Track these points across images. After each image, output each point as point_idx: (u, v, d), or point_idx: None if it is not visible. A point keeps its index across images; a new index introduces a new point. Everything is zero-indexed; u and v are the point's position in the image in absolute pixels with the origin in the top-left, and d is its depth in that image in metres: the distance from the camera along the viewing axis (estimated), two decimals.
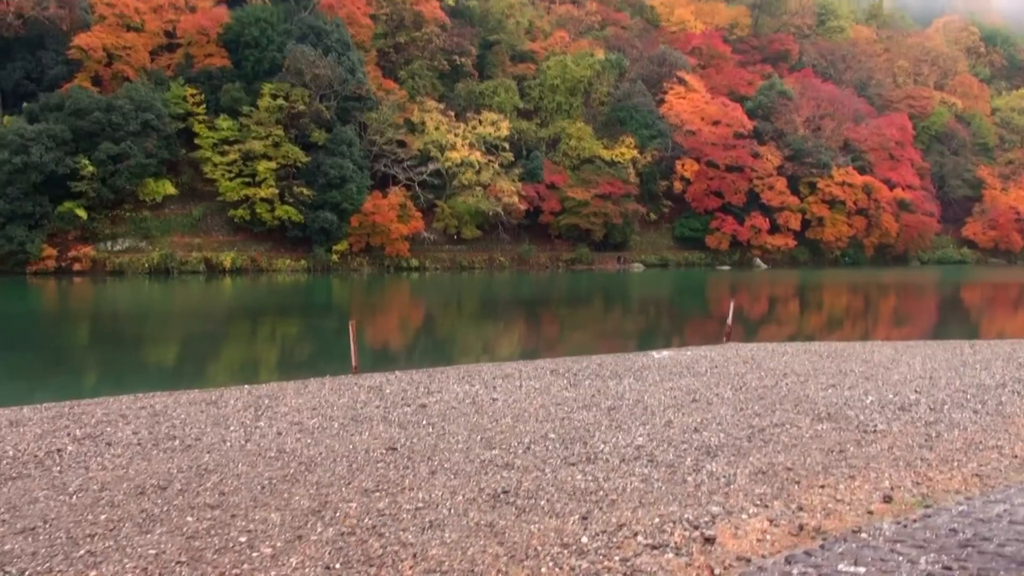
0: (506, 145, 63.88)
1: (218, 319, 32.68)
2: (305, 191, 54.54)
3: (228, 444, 8.08)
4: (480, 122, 63.71)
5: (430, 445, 7.95)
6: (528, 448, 7.85)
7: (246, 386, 12.41)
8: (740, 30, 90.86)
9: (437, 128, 61.87)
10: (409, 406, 10.24)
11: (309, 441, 8.21)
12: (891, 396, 11.14)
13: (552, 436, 8.37)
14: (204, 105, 54.87)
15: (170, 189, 53.32)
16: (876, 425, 9.29)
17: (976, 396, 11.28)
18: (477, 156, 61.58)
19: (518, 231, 65.97)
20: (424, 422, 9.19)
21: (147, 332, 29.24)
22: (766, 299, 46.51)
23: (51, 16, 50.43)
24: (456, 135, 62.15)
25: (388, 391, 11.43)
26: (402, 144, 60.43)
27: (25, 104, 49.87)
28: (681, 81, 75.79)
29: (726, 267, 71.85)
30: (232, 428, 8.94)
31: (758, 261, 74.23)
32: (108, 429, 8.92)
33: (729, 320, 20.21)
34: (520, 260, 65.05)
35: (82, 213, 49.28)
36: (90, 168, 48.43)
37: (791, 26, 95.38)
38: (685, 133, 72.39)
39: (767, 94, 79.06)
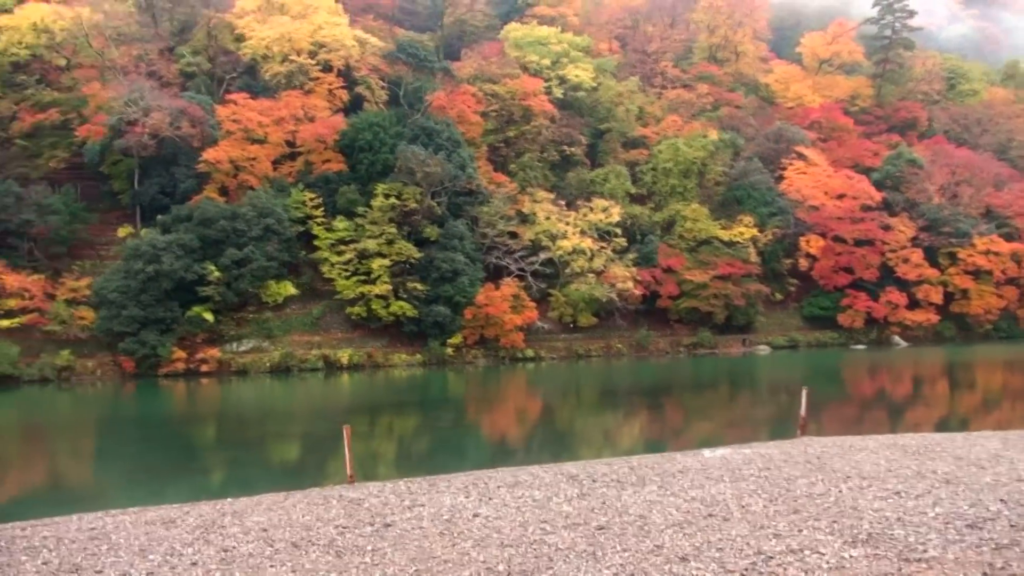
0: (618, 231, 63.11)
1: (325, 418, 32.88)
2: (418, 286, 55.24)
3: None
4: (591, 209, 63.34)
5: None
6: None
7: (228, 500, 11.94)
8: (862, 101, 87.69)
9: (548, 218, 61.90)
10: (372, 525, 9.39)
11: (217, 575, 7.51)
12: (965, 507, 9.13)
13: (501, 568, 7.28)
14: (322, 208, 57.01)
15: (291, 290, 55.13)
16: (926, 550, 7.46)
17: None
18: (588, 243, 61.01)
19: (635, 317, 64.36)
20: (369, 547, 8.35)
21: (253, 434, 29.76)
22: (893, 381, 43.00)
23: (183, 135, 54.10)
24: (567, 223, 61.94)
25: (367, 505, 10.60)
26: (513, 235, 60.70)
27: (159, 216, 53.20)
28: (800, 156, 73.36)
29: (861, 346, 67.51)
30: (151, 557, 8.51)
31: (897, 339, 69.37)
32: (22, 559, 8.55)
33: (802, 411, 18.15)
34: (638, 347, 63.24)
35: (209, 316, 51.44)
36: (216, 273, 50.73)
37: (918, 93, 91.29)
38: (807, 209, 69.59)
39: (895, 164, 75.35)
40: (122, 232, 55.80)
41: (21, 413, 40.29)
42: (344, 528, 9.37)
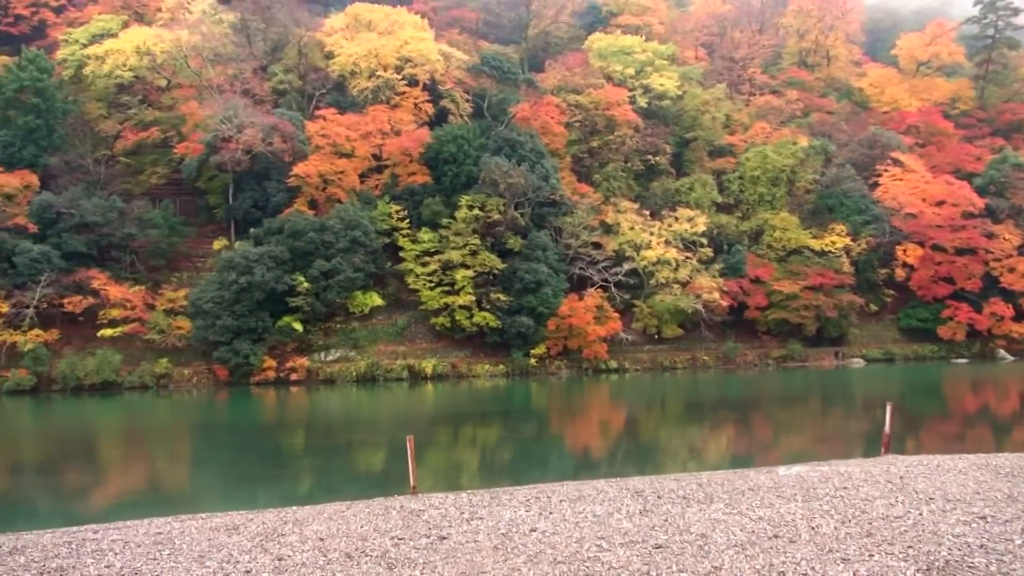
0: (704, 241, 62.04)
1: (409, 427, 33.22)
2: (502, 297, 55.49)
3: None
4: (676, 219, 62.45)
5: None
6: None
7: (293, 508, 12.12)
8: (963, 104, 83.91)
9: (632, 228, 61.31)
10: (428, 537, 9.33)
11: None
12: None
13: None
14: (407, 220, 57.94)
15: (377, 300, 56.10)
16: None
17: None
18: (673, 253, 60.16)
19: (722, 328, 63.03)
20: (421, 560, 8.34)
21: (338, 442, 30.39)
22: (998, 397, 40.85)
23: (275, 150, 55.78)
24: (651, 233, 61.23)
25: (426, 516, 10.57)
26: (597, 246, 60.37)
27: (252, 230, 54.97)
28: (896, 162, 70.65)
29: (963, 360, 64.45)
30: (208, 564, 8.80)
31: (1002, 352, 65.96)
32: (88, 561, 8.83)
33: (887, 428, 17.25)
34: (725, 359, 61.92)
35: (298, 326, 52.77)
36: (305, 284, 52.05)
37: None
38: (904, 216, 66.94)
39: (999, 168, 71.80)
40: (217, 245, 57.87)
41: (123, 418, 42.11)
42: (399, 540, 9.38)
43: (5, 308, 49.21)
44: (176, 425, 38.53)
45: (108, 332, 50.33)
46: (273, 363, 52.01)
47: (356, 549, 9.10)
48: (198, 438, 33.76)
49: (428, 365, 54.71)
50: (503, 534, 9.40)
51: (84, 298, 50.33)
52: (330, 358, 54.44)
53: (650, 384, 52.94)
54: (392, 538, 9.50)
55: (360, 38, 64.57)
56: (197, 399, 47.58)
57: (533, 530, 9.53)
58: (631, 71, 70.87)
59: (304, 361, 53.00)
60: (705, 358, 61.75)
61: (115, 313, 50.66)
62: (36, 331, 49.31)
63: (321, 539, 9.66)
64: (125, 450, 31.40)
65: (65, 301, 50.12)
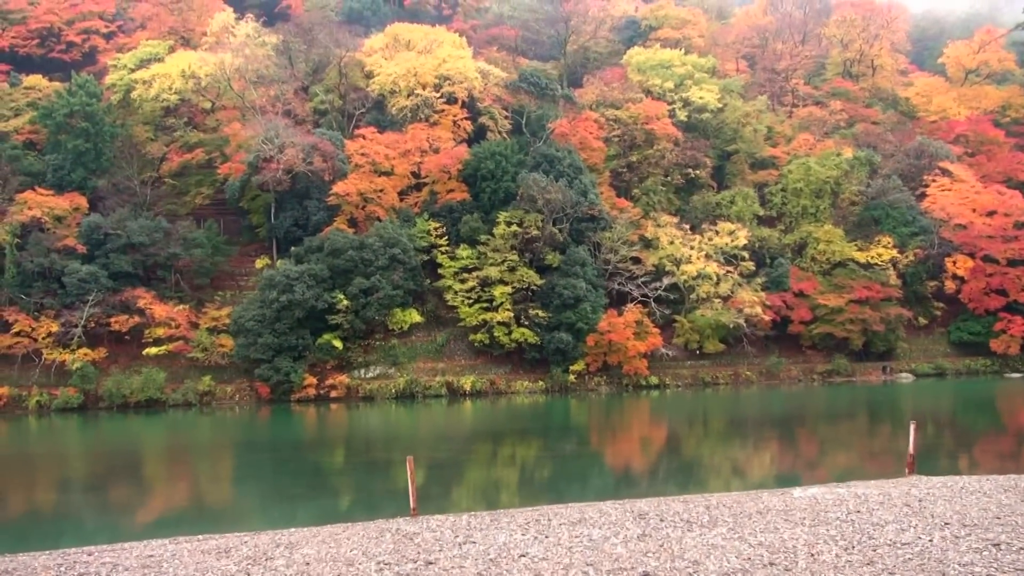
0: (745, 254, 61.19)
1: (447, 445, 33.21)
2: (540, 313, 55.31)
3: None
4: (717, 232, 61.72)
5: None
6: None
7: (291, 529, 12.04)
8: (1014, 111, 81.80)
9: (672, 242, 60.75)
10: (415, 563, 9.17)
11: None
12: None
13: None
14: (446, 237, 58.14)
15: (416, 317, 56.29)
16: None
17: None
18: (714, 268, 59.45)
19: (765, 343, 62.04)
20: None
21: (377, 458, 30.44)
22: None
23: (315, 169, 56.40)
24: (691, 248, 60.61)
25: (419, 540, 10.42)
26: (636, 261, 59.91)
27: (292, 248, 55.61)
28: (945, 172, 69.06)
29: (1017, 374, 62.50)
30: None
31: None
32: None
33: (911, 448, 16.64)
34: (768, 374, 60.88)
35: (338, 344, 53.17)
36: (345, 302, 52.45)
37: None
38: (953, 228, 65.32)
39: None
40: (260, 263, 58.62)
41: (167, 436, 42.71)
42: (385, 565, 9.24)
43: (55, 327, 50.42)
44: (218, 442, 38.97)
45: (153, 350, 51.26)
46: (314, 380, 52.44)
47: (340, 574, 8.97)
48: (239, 456, 34.08)
49: (467, 382, 54.70)
50: (491, 559, 9.20)
51: (130, 317, 51.35)
52: (369, 375, 54.73)
53: (691, 400, 52.26)
54: (378, 563, 9.36)
55: (399, 57, 65.19)
56: (239, 416, 48.10)
57: (523, 555, 9.33)
58: (670, 85, 70.45)
59: (344, 378, 53.35)
60: (748, 373, 60.79)
61: (160, 332, 51.59)
62: (84, 350, 50.41)
63: (307, 563, 9.56)
64: (168, 468, 31.81)
65: (112, 320, 51.20)
